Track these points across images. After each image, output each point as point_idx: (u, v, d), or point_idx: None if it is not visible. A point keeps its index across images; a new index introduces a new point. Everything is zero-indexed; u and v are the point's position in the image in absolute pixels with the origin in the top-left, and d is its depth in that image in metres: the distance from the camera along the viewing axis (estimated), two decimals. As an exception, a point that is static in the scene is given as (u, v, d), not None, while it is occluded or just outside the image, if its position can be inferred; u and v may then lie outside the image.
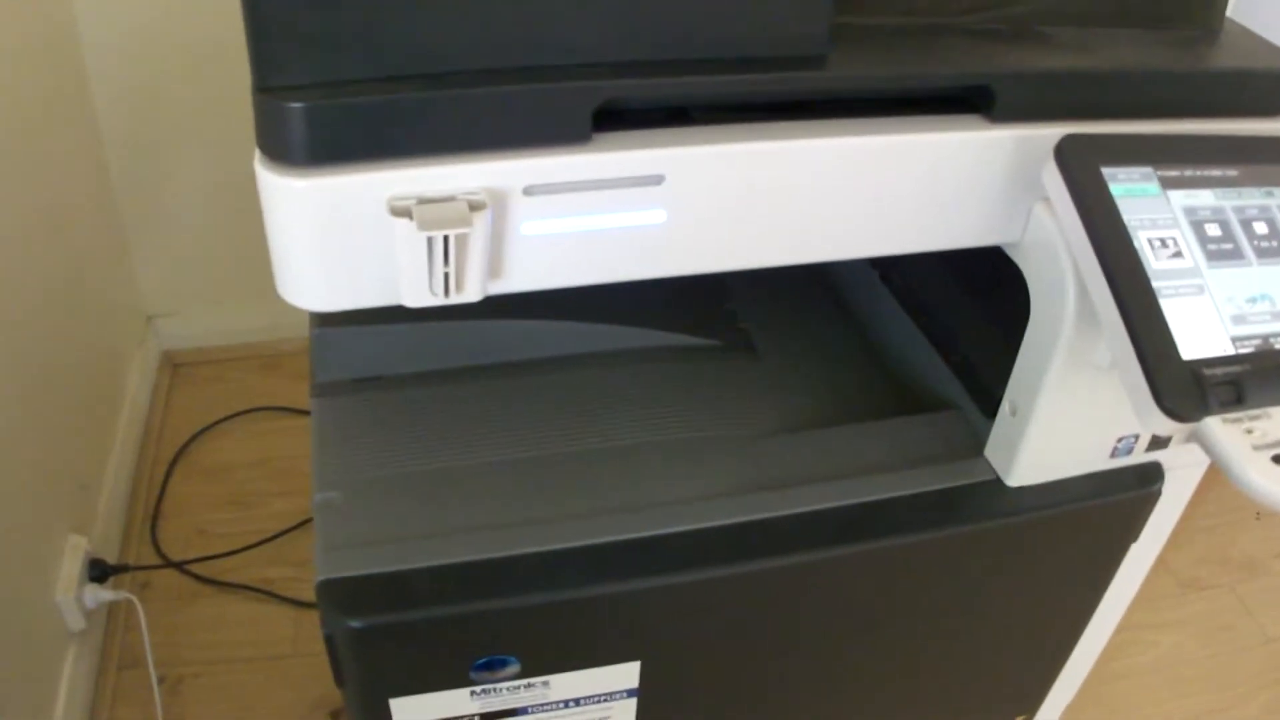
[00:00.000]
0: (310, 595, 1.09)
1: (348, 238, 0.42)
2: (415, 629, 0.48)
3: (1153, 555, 0.64)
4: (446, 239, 0.40)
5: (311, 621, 1.07)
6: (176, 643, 1.04)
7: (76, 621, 0.97)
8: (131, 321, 1.30)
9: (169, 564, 1.11)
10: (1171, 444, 0.57)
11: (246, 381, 1.34)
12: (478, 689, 0.51)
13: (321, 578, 0.48)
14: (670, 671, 0.54)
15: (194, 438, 1.25)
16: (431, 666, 0.50)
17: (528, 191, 0.42)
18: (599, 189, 0.43)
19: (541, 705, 0.53)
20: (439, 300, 0.43)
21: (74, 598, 0.96)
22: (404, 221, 0.40)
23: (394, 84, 0.40)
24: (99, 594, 1.00)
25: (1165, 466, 0.58)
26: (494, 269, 0.44)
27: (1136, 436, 0.56)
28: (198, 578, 1.10)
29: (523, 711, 0.53)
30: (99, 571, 1.02)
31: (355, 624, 0.47)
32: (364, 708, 0.51)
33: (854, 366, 0.65)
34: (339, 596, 0.48)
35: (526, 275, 0.45)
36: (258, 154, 0.42)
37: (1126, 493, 0.57)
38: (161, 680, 0.99)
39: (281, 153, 0.41)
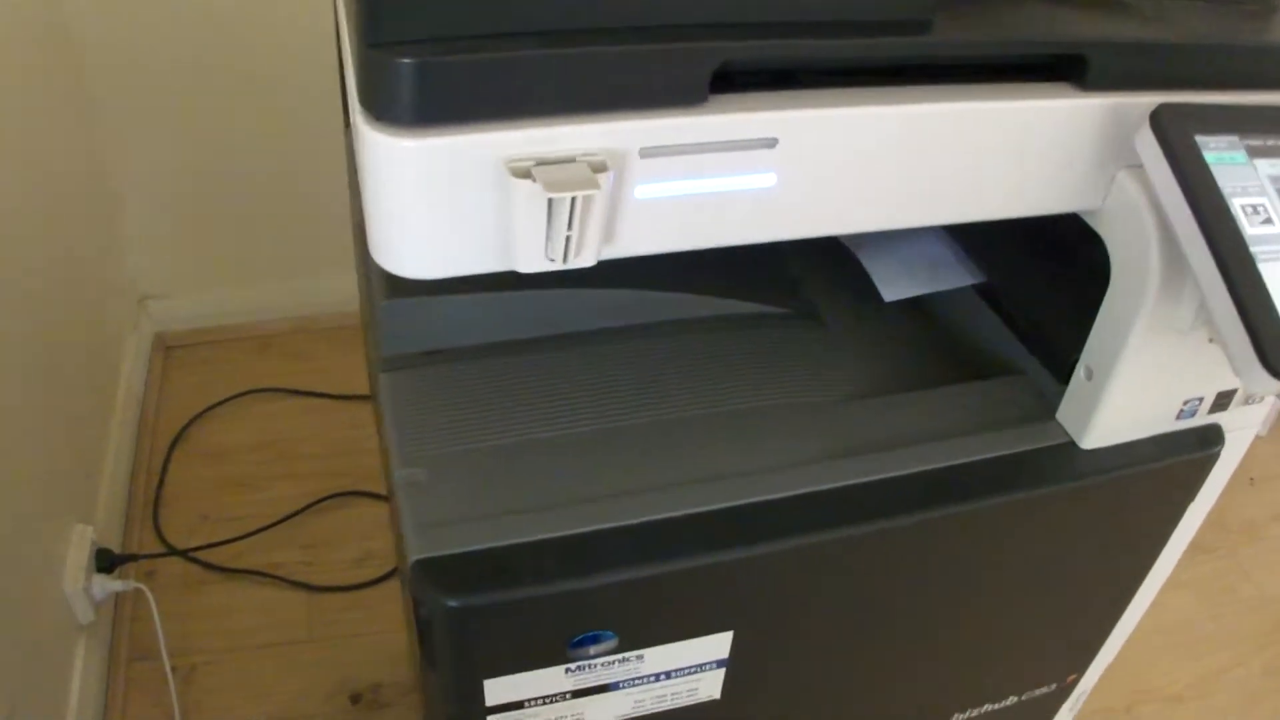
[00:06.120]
0: (322, 579, 1.07)
1: (457, 201, 0.40)
2: (516, 607, 0.47)
3: (1202, 516, 0.66)
4: (573, 201, 0.39)
5: (324, 605, 1.05)
6: (187, 631, 1.01)
7: (86, 613, 0.94)
8: (124, 304, 1.26)
9: (175, 552, 1.08)
10: (1232, 405, 0.59)
11: (240, 363, 1.30)
12: (573, 666, 0.50)
13: (416, 557, 0.47)
14: (757, 639, 0.54)
15: (191, 421, 1.22)
16: (529, 644, 0.49)
17: (644, 153, 0.41)
18: (714, 151, 0.42)
19: (633, 680, 0.52)
20: (556, 265, 0.41)
21: (82, 589, 0.93)
22: (526, 183, 0.39)
23: (508, 40, 0.39)
24: (108, 585, 0.97)
25: (1224, 429, 0.59)
26: (606, 233, 0.43)
27: (1201, 399, 0.57)
28: (205, 565, 1.07)
29: (614, 687, 0.52)
30: (105, 562, 0.98)
31: (454, 603, 0.46)
32: (457, 689, 0.50)
33: (919, 333, 0.66)
34: (436, 576, 0.46)
35: (638, 239, 0.44)
36: (361, 113, 0.40)
37: (1191, 453, 0.58)
38: (174, 670, 0.96)
39: (389, 112, 0.39)
